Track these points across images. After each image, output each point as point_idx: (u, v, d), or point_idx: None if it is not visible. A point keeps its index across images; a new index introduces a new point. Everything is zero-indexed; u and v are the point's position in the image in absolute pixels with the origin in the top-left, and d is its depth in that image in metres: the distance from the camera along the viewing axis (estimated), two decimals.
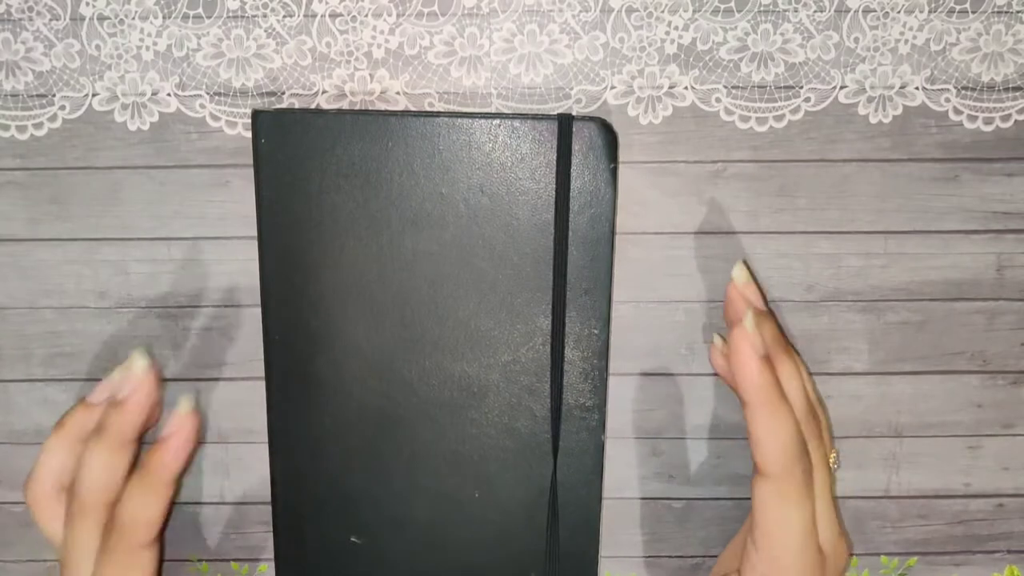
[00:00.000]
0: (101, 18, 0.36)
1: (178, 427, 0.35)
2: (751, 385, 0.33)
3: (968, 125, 0.37)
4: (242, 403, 0.39)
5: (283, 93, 0.37)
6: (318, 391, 0.37)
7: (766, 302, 0.38)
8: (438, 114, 0.35)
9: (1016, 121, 0.37)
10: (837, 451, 0.37)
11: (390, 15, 0.36)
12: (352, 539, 0.38)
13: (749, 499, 0.34)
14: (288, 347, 0.37)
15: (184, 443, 0.35)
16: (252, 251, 0.37)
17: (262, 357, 0.37)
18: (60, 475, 0.36)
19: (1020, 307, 0.39)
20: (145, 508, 0.34)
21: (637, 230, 0.38)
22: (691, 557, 0.41)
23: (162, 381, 0.38)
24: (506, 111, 0.37)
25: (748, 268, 0.36)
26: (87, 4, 0.36)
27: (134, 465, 0.36)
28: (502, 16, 0.36)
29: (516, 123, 0.35)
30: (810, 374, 0.37)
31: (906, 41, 0.36)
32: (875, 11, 0.36)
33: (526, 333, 0.37)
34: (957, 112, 0.37)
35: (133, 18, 0.36)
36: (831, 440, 0.36)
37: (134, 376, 0.35)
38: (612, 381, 0.39)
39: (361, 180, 0.36)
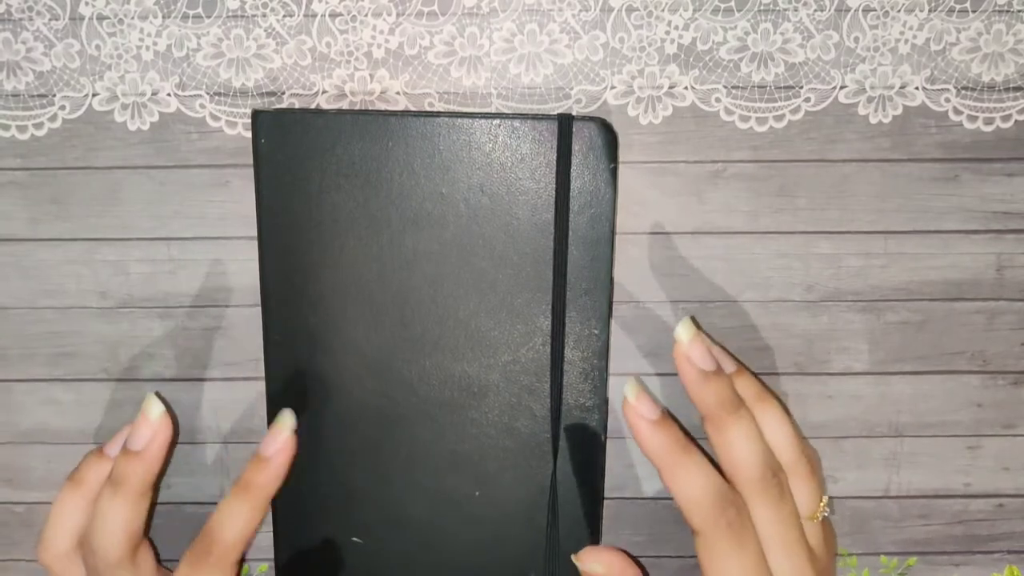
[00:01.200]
0: (101, 18, 0.36)
1: (282, 447, 0.34)
2: (648, 450, 0.33)
3: (968, 125, 0.37)
4: (242, 403, 0.39)
5: (283, 93, 0.37)
6: (318, 391, 0.37)
7: (730, 354, 0.37)
8: (438, 114, 0.35)
9: (1016, 121, 0.37)
10: (827, 499, 0.35)
11: (390, 15, 0.36)
12: (353, 539, 0.38)
13: None
14: (288, 347, 0.37)
15: (286, 463, 0.34)
16: (252, 251, 0.37)
17: (262, 357, 0.37)
18: (76, 532, 0.35)
19: (1020, 307, 0.39)
20: (245, 526, 0.34)
21: (637, 230, 0.38)
22: (691, 557, 0.41)
23: (175, 426, 0.37)
24: (506, 111, 0.37)
25: (694, 323, 0.34)
26: (87, 4, 0.36)
27: (151, 515, 0.35)
28: (502, 16, 0.36)
29: (516, 123, 0.35)
30: (796, 429, 0.36)
31: (906, 41, 0.36)
32: (875, 11, 0.36)
33: (526, 333, 0.37)
34: (957, 112, 0.37)
35: (133, 18, 0.36)
36: (818, 488, 0.35)
37: (150, 423, 0.34)
38: (612, 381, 0.39)
39: (361, 180, 0.36)
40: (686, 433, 0.34)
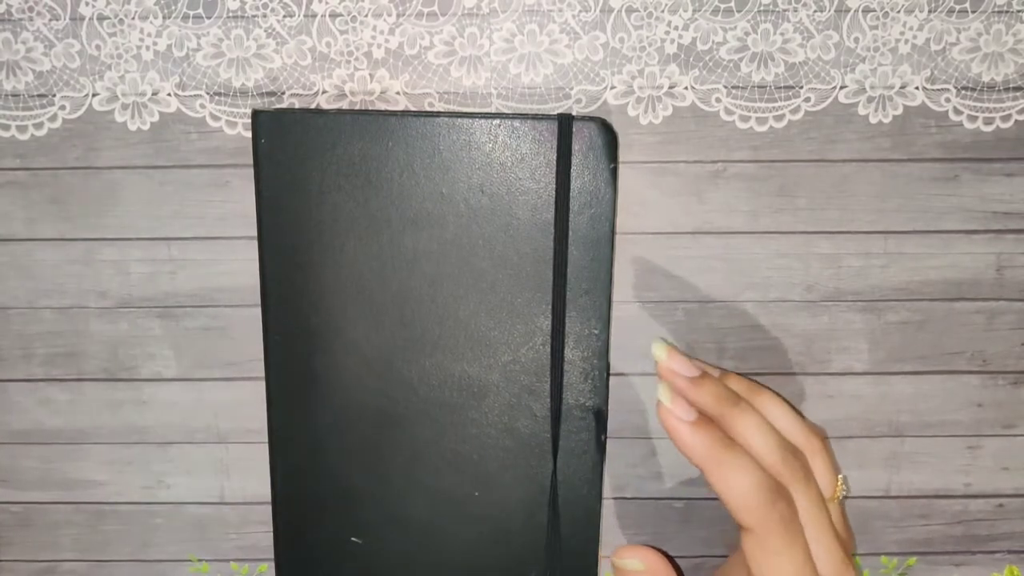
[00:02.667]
0: (101, 18, 0.36)
1: None
2: (690, 452, 0.32)
3: (968, 125, 0.37)
4: (242, 403, 0.39)
5: (283, 93, 0.37)
6: (318, 390, 0.37)
7: (716, 367, 0.37)
8: (438, 114, 0.35)
9: (1016, 121, 0.37)
10: (842, 476, 0.35)
11: (390, 15, 0.36)
12: (352, 539, 0.38)
13: None
14: (288, 347, 0.37)
15: None
16: (252, 251, 0.37)
17: (262, 357, 0.37)
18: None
19: (1020, 307, 0.39)
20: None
21: (637, 230, 0.38)
22: (693, 557, 0.41)
23: None
24: (506, 111, 0.37)
25: (665, 343, 0.34)
26: (87, 4, 0.36)
27: None
28: (502, 16, 0.36)
29: (516, 123, 0.35)
30: (797, 411, 0.36)
31: (906, 41, 0.36)
32: (875, 11, 0.36)
33: (526, 333, 0.37)
34: (957, 112, 0.37)
35: (133, 18, 0.36)
36: (833, 467, 0.35)
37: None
38: (612, 381, 0.39)
39: (361, 180, 0.36)
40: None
